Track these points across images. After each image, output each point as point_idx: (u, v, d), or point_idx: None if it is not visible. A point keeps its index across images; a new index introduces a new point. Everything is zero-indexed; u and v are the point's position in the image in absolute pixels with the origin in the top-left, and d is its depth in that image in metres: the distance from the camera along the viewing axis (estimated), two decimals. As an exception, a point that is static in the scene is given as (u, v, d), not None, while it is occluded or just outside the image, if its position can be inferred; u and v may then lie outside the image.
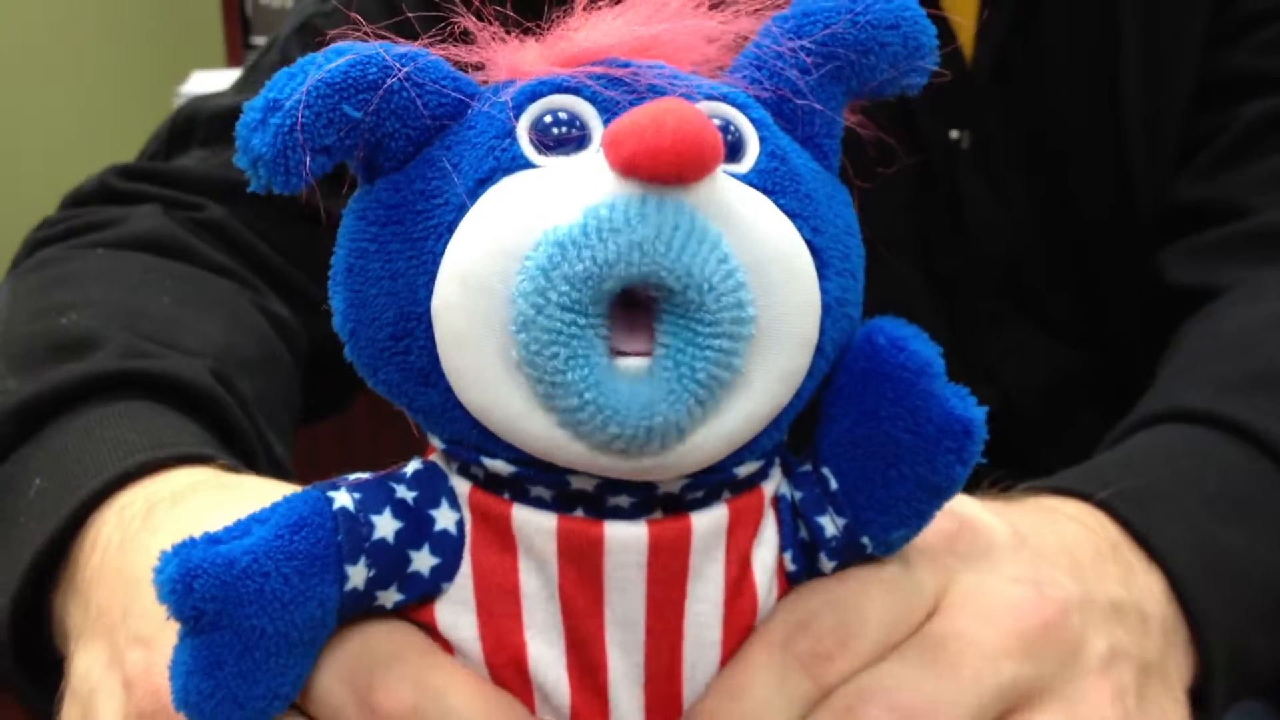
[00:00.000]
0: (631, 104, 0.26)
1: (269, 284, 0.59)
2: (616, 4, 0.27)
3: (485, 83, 0.28)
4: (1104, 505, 0.39)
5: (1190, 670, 0.39)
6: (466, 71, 0.28)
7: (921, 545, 0.31)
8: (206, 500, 0.37)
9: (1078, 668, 0.33)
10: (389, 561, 0.29)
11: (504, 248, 0.25)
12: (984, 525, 0.34)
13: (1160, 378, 0.51)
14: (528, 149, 0.27)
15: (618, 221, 0.25)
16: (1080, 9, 0.61)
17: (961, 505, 0.31)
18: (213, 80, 1.46)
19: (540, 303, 0.25)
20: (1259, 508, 0.43)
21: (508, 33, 0.27)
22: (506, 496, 0.28)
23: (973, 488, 0.30)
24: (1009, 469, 0.36)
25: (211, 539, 0.28)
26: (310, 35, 0.62)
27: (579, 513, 0.28)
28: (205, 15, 1.97)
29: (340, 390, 0.62)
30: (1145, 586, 0.38)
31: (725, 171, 0.26)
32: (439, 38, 0.28)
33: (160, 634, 0.32)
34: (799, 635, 0.30)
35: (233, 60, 1.74)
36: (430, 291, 0.27)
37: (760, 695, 0.29)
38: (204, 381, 0.46)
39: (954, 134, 0.63)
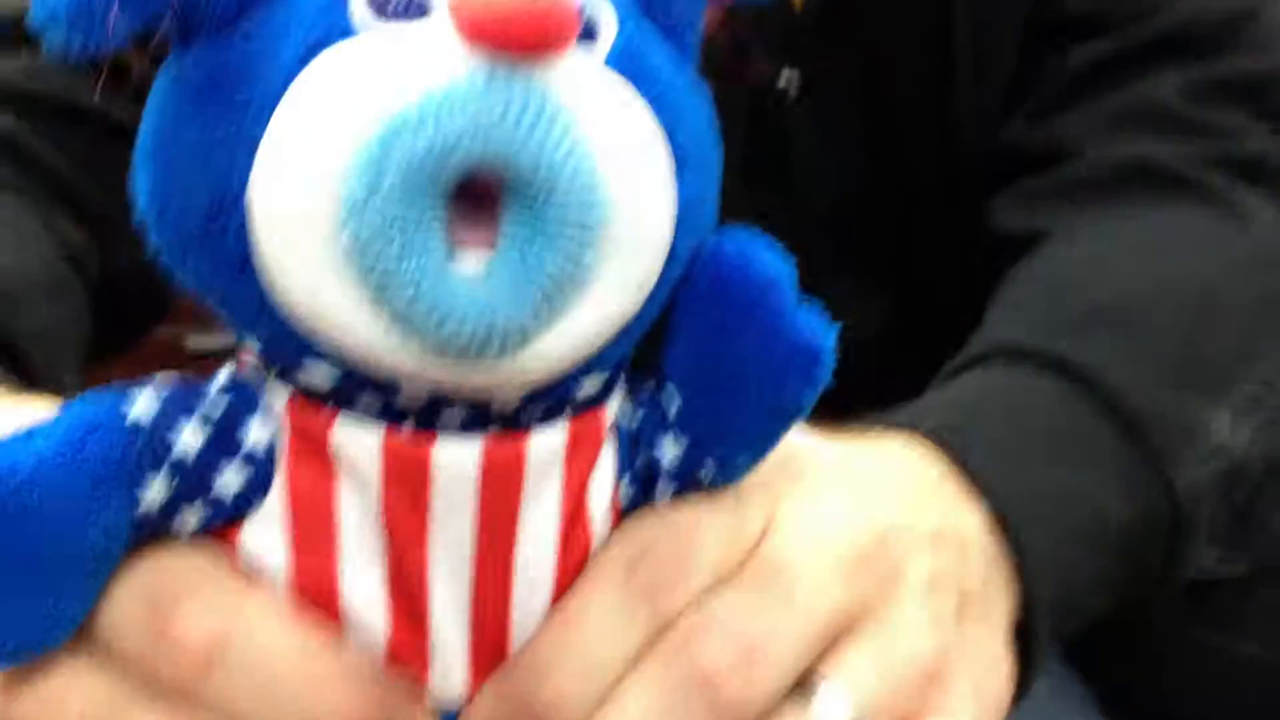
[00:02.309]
0: None
1: (62, 204, 0.55)
2: None
3: None
4: (930, 437, 0.39)
5: (1013, 603, 0.38)
6: None
7: (749, 476, 0.30)
8: None
9: (897, 593, 0.32)
10: (189, 480, 0.26)
11: (334, 125, 0.23)
12: (811, 454, 0.33)
13: (988, 318, 0.51)
14: (361, 14, 0.24)
15: (460, 98, 0.23)
16: None
17: (790, 434, 0.30)
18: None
19: (373, 186, 0.23)
20: (1082, 446, 0.43)
21: None
22: (328, 410, 0.26)
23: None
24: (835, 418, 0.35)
25: None
26: None
27: (407, 429, 0.25)
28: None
29: (133, 323, 0.58)
30: (968, 519, 0.37)
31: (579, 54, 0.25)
32: None
33: None
34: (638, 565, 0.28)
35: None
36: (248, 172, 0.24)
37: (598, 625, 0.27)
38: None
39: (783, 80, 0.62)
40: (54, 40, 0.24)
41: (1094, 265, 0.53)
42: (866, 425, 0.40)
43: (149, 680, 0.26)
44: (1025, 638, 0.39)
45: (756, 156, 0.63)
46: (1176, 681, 0.78)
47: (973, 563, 0.36)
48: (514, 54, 0.23)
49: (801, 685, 0.30)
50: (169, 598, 0.26)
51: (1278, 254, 0.57)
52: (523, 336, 0.24)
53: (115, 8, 0.24)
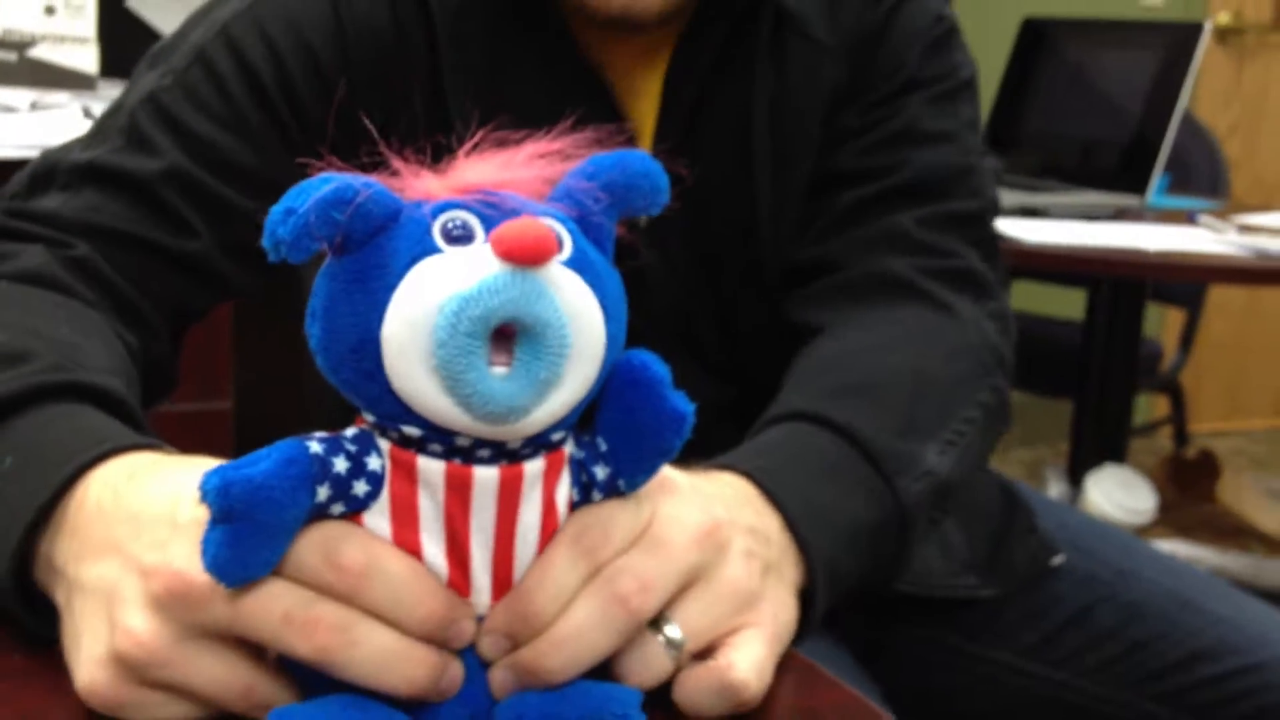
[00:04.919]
0: (501, 217, 0.45)
1: (119, 313, 0.75)
2: (483, 154, 0.47)
3: (406, 199, 0.46)
4: (744, 474, 0.62)
5: (799, 578, 0.60)
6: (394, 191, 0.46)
7: (643, 488, 0.52)
8: (168, 468, 0.53)
9: (726, 557, 0.54)
10: (340, 486, 0.46)
11: (431, 298, 0.43)
12: (675, 479, 0.55)
13: (782, 390, 0.75)
14: (439, 242, 0.45)
15: (499, 287, 0.43)
16: (727, 122, 0.87)
17: (663, 469, 0.52)
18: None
19: (452, 331, 0.43)
20: (842, 474, 0.67)
21: (417, 165, 0.47)
22: (414, 450, 0.46)
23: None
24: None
25: (234, 466, 0.45)
26: (155, 109, 0.79)
27: (457, 460, 0.46)
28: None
29: (157, 394, 0.77)
30: (770, 521, 0.60)
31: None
32: (375, 168, 0.46)
33: (171, 542, 0.48)
34: (581, 538, 0.49)
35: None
36: (380, 324, 0.44)
37: (560, 571, 0.48)
38: (120, 391, 0.61)
39: None
40: (275, 255, 0.45)
41: (851, 354, 0.79)
42: (708, 465, 0.62)
43: (324, 590, 0.46)
44: (806, 606, 0.61)
45: (619, 273, 0.87)
46: (943, 681, 1.02)
47: (774, 547, 0.59)
48: (525, 264, 0.44)
49: (656, 621, 0.51)
50: (333, 542, 0.46)
51: (973, 341, 0.85)
52: (526, 411, 0.45)
53: (313, 243, 0.45)
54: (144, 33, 2.24)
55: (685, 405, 0.50)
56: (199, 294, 0.81)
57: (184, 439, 0.58)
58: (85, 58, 1.87)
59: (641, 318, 0.87)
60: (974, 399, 0.80)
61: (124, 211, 0.77)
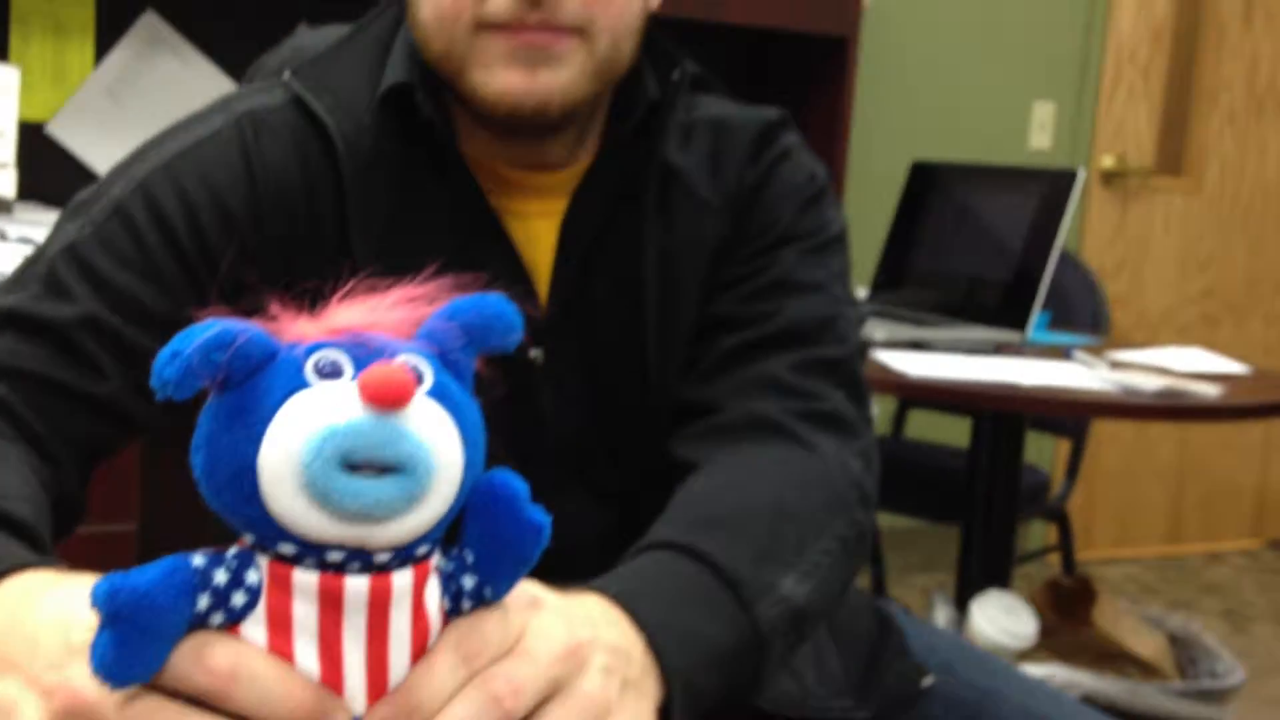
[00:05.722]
0: (369, 355, 0.51)
1: (34, 450, 0.80)
2: (354, 298, 0.53)
3: (282, 341, 0.51)
4: (611, 597, 0.67)
5: (658, 694, 0.65)
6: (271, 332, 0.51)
7: (513, 604, 0.57)
8: (60, 587, 0.58)
9: (587, 672, 0.59)
10: (220, 596, 0.51)
11: (300, 431, 0.49)
12: (545, 599, 0.60)
13: (657, 521, 0.81)
14: (311, 378, 0.50)
15: (365, 430, 0.48)
16: (618, 269, 0.94)
17: (534, 589, 0.57)
18: None
19: (316, 458, 0.48)
20: (702, 599, 0.72)
21: (295, 309, 0.52)
22: (289, 564, 0.52)
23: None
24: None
25: (123, 575, 0.50)
26: (73, 259, 0.85)
27: (330, 572, 0.52)
28: None
29: (66, 527, 0.82)
30: (632, 641, 0.65)
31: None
32: (255, 312, 0.52)
33: (67, 664, 0.53)
34: (461, 644, 0.54)
35: None
36: (256, 453, 0.49)
37: (442, 672, 0.54)
38: (27, 517, 0.67)
39: (533, 353, 0.92)
40: (163, 393, 0.50)
41: (718, 489, 0.86)
42: (579, 588, 0.68)
43: (198, 693, 0.51)
44: (667, 714, 0.66)
45: (519, 409, 0.93)
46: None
47: (635, 666, 0.64)
48: (387, 408, 0.49)
49: None
50: (204, 647, 0.51)
51: (834, 478, 0.92)
52: (390, 512, 0.50)
53: (195, 381, 0.50)
54: (63, 158, 2.29)
55: (542, 517, 0.56)
56: (109, 434, 0.85)
57: (90, 559, 0.62)
58: (3, 182, 1.92)
59: (539, 452, 0.94)
60: (832, 531, 0.87)
61: (39, 355, 0.82)
